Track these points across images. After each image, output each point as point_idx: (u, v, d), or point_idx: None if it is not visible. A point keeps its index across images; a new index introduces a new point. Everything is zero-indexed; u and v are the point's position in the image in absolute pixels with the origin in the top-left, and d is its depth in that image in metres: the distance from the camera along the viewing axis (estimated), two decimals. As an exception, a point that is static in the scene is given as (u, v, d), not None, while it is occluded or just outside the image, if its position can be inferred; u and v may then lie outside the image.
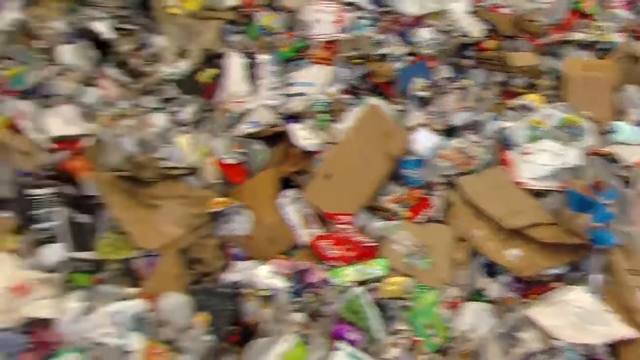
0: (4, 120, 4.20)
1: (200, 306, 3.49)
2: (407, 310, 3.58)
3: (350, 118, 4.32)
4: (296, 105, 4.51)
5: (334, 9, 5.05)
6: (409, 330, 3.51)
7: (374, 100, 4.45)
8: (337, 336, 3.44)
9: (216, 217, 3.90)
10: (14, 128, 4.17)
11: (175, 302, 3.43)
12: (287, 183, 4.11)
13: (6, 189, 3.86)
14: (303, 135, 4.22)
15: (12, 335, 3.20)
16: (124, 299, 3.51)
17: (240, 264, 3.73)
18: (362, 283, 3.64)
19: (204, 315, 3.44)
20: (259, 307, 3.48)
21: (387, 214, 4.06)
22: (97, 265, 3.73)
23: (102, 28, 5.18)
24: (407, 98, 4.55)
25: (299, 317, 3.45)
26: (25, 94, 4.47)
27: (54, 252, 3.63)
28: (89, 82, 4.79)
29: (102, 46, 5.19)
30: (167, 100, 4.75)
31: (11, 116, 4.26)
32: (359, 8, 5.12)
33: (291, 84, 4.68)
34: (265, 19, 5.25)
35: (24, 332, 3.26)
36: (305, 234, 3.89)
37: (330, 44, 4.88)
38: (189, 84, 4.82)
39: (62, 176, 3.95)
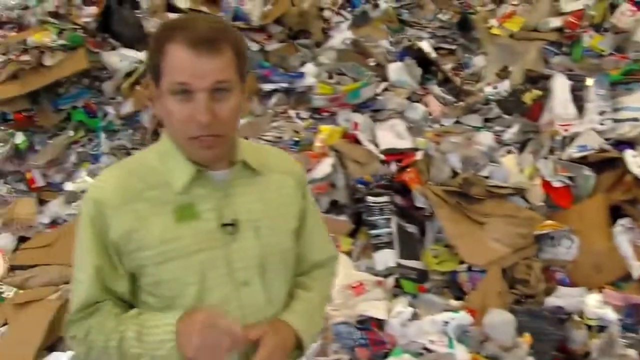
0: (340, 131, 4.54)
1: (522, 327, 3.47)
2: None
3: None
4: (628, 130, 4.32)
5: (673, 29, 4.77)
6: None
7: None
8: (677, 381, 3.21)
9: (541, 239, 3.86)
10: (349, 138, 4.50)
11: (500, 319, 3.44)
12: (616, 211, 3.94)
13: (343, 195, 4.18)
14: (637, 162, 4.02)
15: (349, 329, 3.44)
16: (448, 310, 3.60)
17: (565, 290, 3.66)
18: None
19: (528, 336, 3.42)
20: (587, 336, 3.37)
21: None
22: (423, 275, 3.89)
23: (427, 47, 5.41)
24: None
25: (632, 353, 3.29)
26: (358, 107, 4.82)
27: (386, 258, 3.85)
28: (414, 98, 5.04)
29: (426, 64, 5.44)
30: (490, 119, 4.83)
31: (347, 127, 4.61)
32: None
33: (621, 109, 4.49)
34: (592, 40, 5.11)
35: (359, 329, 3.49)
36: (638, 267, 3.69)
37: (667, 67, 4.61)
38: (511, 104, 4.86)
39: (393, 186, 4.18)
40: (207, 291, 1.52)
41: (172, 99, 1.43)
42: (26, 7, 5.29)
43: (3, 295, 3.63)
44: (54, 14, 5.07)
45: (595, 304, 3.47)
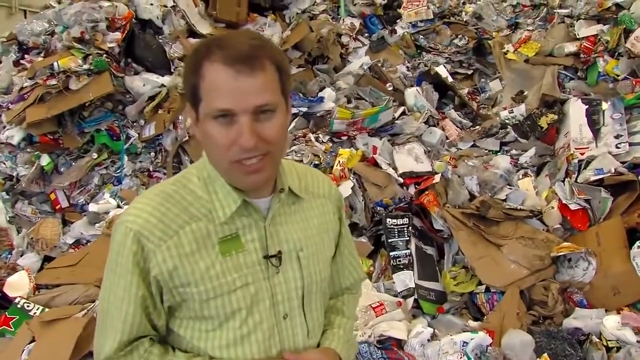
0: (359, 155, 4.61)
1: (541, 348, 3.50)
2: None
3: None
4: (643, 154, 4.37)
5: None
6: None
7: None
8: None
9: (559, 261, 3.90)
10: (368, 162, 4.57)
11: (519, 340, 3.47)
12: (633, 233, 3.97)
13: (363, 217, 4.24)
14: (654, 186, 4.07)
15: (370, 348, 3.49)
16: (467, 330, 3.64)
17: (583, 311, 3.69)
18: None
19: (546, 357, 3.44)
20: (606, 358, 3.40)
21: None
22: (442, 296, 3.93)
23: (444, 72, 5.50)
24: None
25: (650, 374, 3.30)
26: (377, 131, 4.90)
27: (405, 279, 3.89)
28: (432, 122, 5.11)
29: (442, 89, 5.52)
30: (507, 143, 4.89)
31: (366, 151, 4.69)
32: None
33: (636, 132, 4.55)
34: (607, 64, 5.18)
35: (380, 348, 3.53)
36: (656, 288, 3.72)
37: (681, 91, 4.67)
38: (527, 128, 4.92)
39: (411, 209, 4.24)
40: (253, 327, 1.47)
41: (212, 123, 1.34)
42: (52, 33, 5.41)
43: (30, 313, 3.70)
44: (80, 40, 5.18)
45: (614, 326, 3.49)
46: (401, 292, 3.87)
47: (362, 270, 1.87)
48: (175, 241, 1.40)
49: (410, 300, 3.83)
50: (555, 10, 5.97)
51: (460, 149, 4.91)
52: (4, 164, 5.17)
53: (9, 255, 4.59)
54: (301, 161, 4.62)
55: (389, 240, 4.02)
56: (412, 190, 4.38)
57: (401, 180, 4.42)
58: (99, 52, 5.19)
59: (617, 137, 4.53)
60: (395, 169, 4.51)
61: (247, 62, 1.30)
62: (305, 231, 1.54)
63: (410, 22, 6.31)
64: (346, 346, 1.65)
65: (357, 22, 6.39)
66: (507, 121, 5.07)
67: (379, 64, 5.72)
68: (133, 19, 5.48)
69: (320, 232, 1.59)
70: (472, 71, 5.96)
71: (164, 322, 1.49)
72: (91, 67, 5.04)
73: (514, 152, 4.81)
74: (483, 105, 5.56)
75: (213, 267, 1.42)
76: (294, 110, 5.18)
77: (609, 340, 3.45)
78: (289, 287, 1.50)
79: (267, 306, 1.47)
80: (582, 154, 4.47)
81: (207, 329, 1.46)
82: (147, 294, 1.42)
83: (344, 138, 4.87)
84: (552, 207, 4.16)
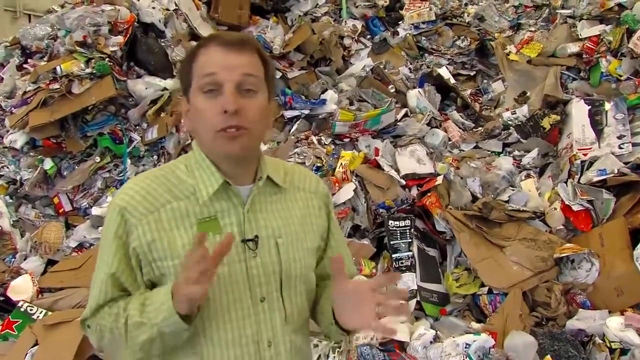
0: (362, 157, 4.61)
1: (544, 349, 3.49)
2: None
3: None
4: (646, 155, 4.36)
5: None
6: None
7: None
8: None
9: (562, 262, 3.89)
10: (371, 164, 4.56)
11: (522, 342, 3.46)
12: (636, 234, 3.96)
13: (365, 219, 4.24)
14: (656, 186, 4.05)
15: (372, 350, 3.48)
16: (470, 332, 3.63)
17: (587, 312, 3.67)
18: None
19: (549, 359, 3.44)
20: (610, 359, 3.39)
21: None
22: (445, 298, 3.93)
23: (446, 73, 5.49)
24: None
25: (654, 375, 3.29)
26: (379, 133, 4.90)
27: (408, 281, 3.89)
28: (434, 124, 5.11)
29: (445, 90, 5.52)
30: (509, 144, 4.88)
31: (368, 153, 4.69)
32: None
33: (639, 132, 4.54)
34: (610, 65, 5.17)
35: (382, 350, 3.53)
36: (659, 290, 3.70)
37: (684, 92, 4.65)
38: (530, 129, 4.91)
39: (414, 210, 4.24)
40: (227, 305, 1.52)
41: (201, 97, 1.48)
42: (55, 37, 5.43)
43: (33, 317, 3.71)
44: (82, 44, 5.19)
45: (617, 327, 3.47)
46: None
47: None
48: (155, 217, 1.51)
49: (413, 302, 3.83)
50: (557, 11, 5.95)
51: (463, 151, 4.90)
52: (8, 168, 5.20)
53: (13, 259, 4.60)
54: (303, 163, 4.62)
55: (392, 242, 4.02)
56: (414, 192, 4.38)
57: (403, 182, 4.42)
58: (102, 55, 5.20)
59: (620, 137, 4.52)
60: (397, 170, 4.51)
61: (238, 45, 1.49)
62: (285, 220, 1.61)
63: (412, 24, 6.31)
64: None
65: (359, 24, 6.39)
66: (509, 122, 5.06)
67: (381, 66, 5.72)
68: (135, 23, 5.49)
69: (302, 223, 1.65)
70: (474, 72, 5.95)
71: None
72: (94, 71, 5.05)
73: (516, 153, 4.80)
74: (485, 107, 5.55)
75: (190, 245, 1.47)
76: (296, 113, 5.20)
77: (612, 342, 3.43)
78: (266, 271, 1.55)
79: (241, 288, 1.53)
80: (584, 154, 4.46)
81: None
82: (124, 267, 1.53)
83: (346, 140, 4.87)
84: (555, 208, 4.15)
